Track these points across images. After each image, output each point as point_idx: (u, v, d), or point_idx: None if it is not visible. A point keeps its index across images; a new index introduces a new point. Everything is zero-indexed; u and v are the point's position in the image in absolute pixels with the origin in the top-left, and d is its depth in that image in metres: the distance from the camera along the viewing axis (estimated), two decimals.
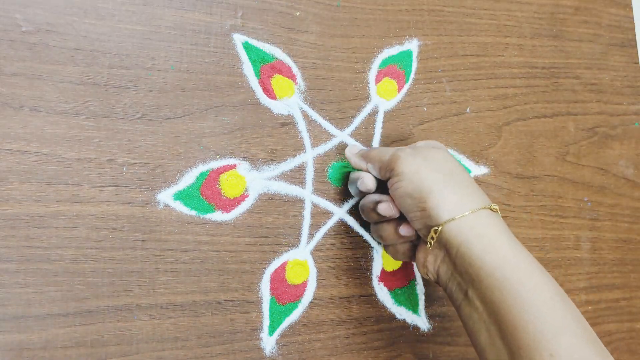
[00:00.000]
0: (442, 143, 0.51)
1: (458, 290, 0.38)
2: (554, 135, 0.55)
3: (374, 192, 0.44)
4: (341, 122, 0.48)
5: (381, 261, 0.48)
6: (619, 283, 0.56)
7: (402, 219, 0.42)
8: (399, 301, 0.48)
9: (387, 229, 0.43)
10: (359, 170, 0.45)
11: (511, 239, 0.37)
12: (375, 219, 0.44)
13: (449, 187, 0.38)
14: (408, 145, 0.45)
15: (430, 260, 0.40)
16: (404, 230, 0.41)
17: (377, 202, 0.42)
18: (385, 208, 0.41)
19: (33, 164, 0.39)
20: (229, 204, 0.44)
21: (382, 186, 0.43)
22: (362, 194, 0.45)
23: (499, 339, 0.35)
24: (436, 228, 0.38)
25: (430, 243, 0.39)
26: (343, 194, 0.47)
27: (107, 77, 0.41)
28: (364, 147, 0.46)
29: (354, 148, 0.46)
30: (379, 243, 0.47)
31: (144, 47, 0.43)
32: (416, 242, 0.42)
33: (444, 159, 0.40)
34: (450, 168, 0.40)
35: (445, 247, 0.38)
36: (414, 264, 0.47)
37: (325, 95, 0.47)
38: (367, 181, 0.43)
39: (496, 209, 0.39)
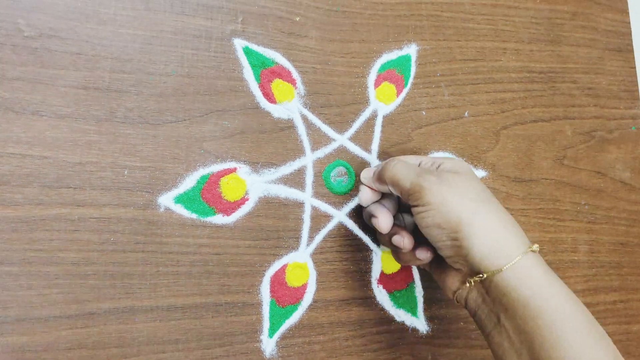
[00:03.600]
0: (440, 147, 0.51)
1: (489, 318, 0.37)
2: (551, 139, 0.56)
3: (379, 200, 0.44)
4: (341, 126, 0.48)
5: (380, 264, 0.48)
6: (616, 285, 0.56)
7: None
8: (398, 303, 0.48)
9: (383, 236, 0.43)
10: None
11: (544, 267, 0.37)
12: (390, 247, 0.43)
13: (479, 215, 0.37)
14: (417, 155, 0.44)
15: (464, 289, 0.39)
16: (395, 240, 0.41)
17: (372, 216, 0.43)
18: (399, 242, 0.41)
19: (35, 167, 0.39)
20: (229, 207, 0.44)
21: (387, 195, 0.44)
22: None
23: None
24: (481, 276, 0.37)
25: (471, 283, 0.38)
26: (343, 197, 0.48)
27: (108, 81, 0.42)
28: (375, 167, 0.45)
29: (369, 172, 0.45)
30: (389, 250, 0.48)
31: (145, 52, 0.43)
32: (422, 256, 0.41)
33: (471, 185, 0.39)
34: (479, 194, 0.39)
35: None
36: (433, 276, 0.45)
37: (325, 100, 0.48)
38: (383, 223, 0.42)
39: (536, 250, 0.37)
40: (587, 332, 0.34)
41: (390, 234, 0.42)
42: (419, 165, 0.42)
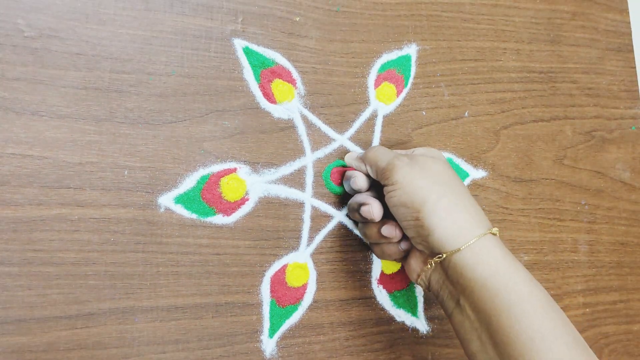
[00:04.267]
0: (440, 147, 0.51)
1: (450, 298, 0.39)
2: (551, 139, 0.56)
3: (366, 192, 0.44)
4: (341, 126, 0.48)
5: (380, 264, 0.48)
6: (616, 285, 0.56)
7: (389, 219, 0.42)
8: (398, 304, 0.48)
9: (371, 228, 0.43)
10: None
11: (503, 249, 0.38)
12: (359, 219, 0.44)
13: (444, 198, 0.38)
14: (407, 149, 0.45)
15: (426, 270, 0.41)
16: (385, 230, 0.42)
17: (361, 204, 0.42)
18: (367, 211, 0.42)
19: (35, 167, 0.39)
20: (229, 208, 0.44)
21: (377, 185, 0.44)
22: (353, 192, 0.45)
23: (491, 347, 0.35)
24: (440, 255, 0.38)
25: (431, 264, 0.39)
26: (342, 197, 0.48)
27: (108, 81, 0.42)
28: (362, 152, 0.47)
29: (353, 154, 0.46)
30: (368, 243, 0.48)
31: (145, 52, 0.43)
32: (405, 246, 0.43)
33: (441, 170, 0.40)
34: (446, 179, 0.40)
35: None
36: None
37: (325, 100, 0.48)
38: (359, 181, 0.44)
39: (496, 233, 0.39)
40: (543, 311, 0.35)
41: (380, 225, 0.43)
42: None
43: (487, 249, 0.37)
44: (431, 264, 0.39)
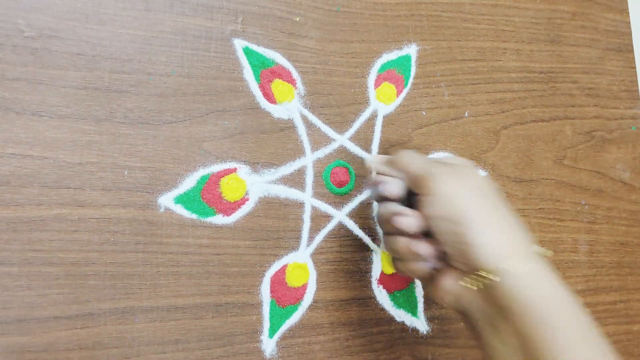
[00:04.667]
0: (440, 147, 0.51)
1: (484, 320, 0.36)
2: (551, 139, 0.56)
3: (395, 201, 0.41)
4: (341, 126, 0.48)
5: (380, 264, 0.48)
6: (616, 286, 0.56)
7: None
8: (398, 304, 0.48)
9: (402, 243, 0.39)
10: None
11: (552, 274, 0.36)
12: (390, 231, 0.40)
13: (489, 213, 0.36)
14: (427, 154, 0.43)
15: (460, 290, 0.38)
16: (421, 247, 0.38)
17: (396, 214, 0.39)
18: (408, 223, 0.38)
19: (35, 167, 0.39)
20: (229, 208, 0.44)
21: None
22: (381, 199, 0.42)
23: None
24: (492, 279, 0.35)
25: (477, 287, 0.36)
26: (343, 197, 0.48)
27: (108, 81, 0.42)
28: (386, 156, 0.44)
29: (378, 157, 0.43)
30: (393, 258, 0.44)
31: (145, 52, 0.43)
32: (438, 265, 0.39)
33: (482, 182, 0.38)
34: (489, 193, 0.37)
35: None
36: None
37: (325, 100, 0.48)
38: (393, 187, 0.40)
39: (549, 256, 0.37)
40: (587, 341, 0.34)
41: (409, 239, 0.39)
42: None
43: (536, 272, 0.35)
44: (471, 282, 0.36)
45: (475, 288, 0.36)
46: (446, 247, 0.37)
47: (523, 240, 0.36)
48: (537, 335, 0.34)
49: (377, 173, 0.43)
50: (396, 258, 0.42)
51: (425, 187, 0.37)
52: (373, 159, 0.44)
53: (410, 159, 0.40)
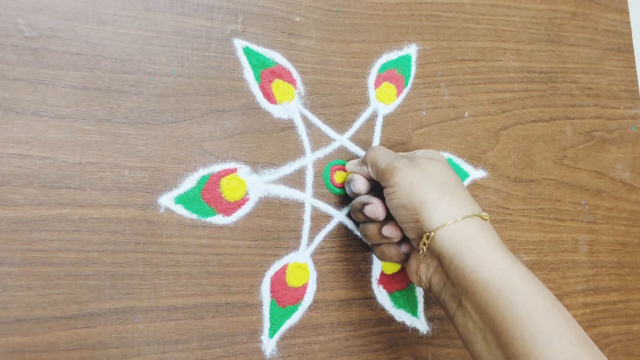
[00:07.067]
0: (440, 147, 0.51)
1: (451, 299, 0.39)
2: (551, 139, 0.56)
3: (366, 194, 0.45)
4: (341, 126, 0.48)
5: (380, 264, 0.48)
6: (616, 285, 0.56)
7: (389, 220, 0.43)
8: (398, 304, 0.48)
9: (372, 229, 0.44)
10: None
11: (503, 249, 0.38)
12: (362, 219, 0.44)
13: (442, 198, 0.39)
14: (407, 152, 0.45)
15: (423, 270, 0.41)
16: (386, 230, 0.42)
17: (365, 204, 0.43)
18: (371, 210, 0.42)
19: (35, 168, 0.39)
20: (229, 208, 0.44)
21: (378, 187, 0.44)
22: (355, 195, 0.46)
23: (495, 347, 0.35)
24: (428, 234, 0.38)
25: (423, 250, 0.39)
26: (343, 198, 0.48)
27: (108, 81, 0.42)
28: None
29: (354, 161, 0.47)
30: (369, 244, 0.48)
31: (145, 52, 0.43)
32: (406, 249, 0.43)
33: (440, 171, 0.41)
34: (445, 180, 0.40)
35: (438, 258, 0.39)
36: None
37: (325, 100, 0.48)
38: (358, 184, 0.44)
39: (486, 217, 0.39)
40: (546, 310, 0.35)
41: (380, 225, 0.43)
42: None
43: (487, 251, 0.37)
44: (423, 250, 0.39)
45: (421, 252, 0.39)
46: (407, 233, 0.41)
47: (469, 207, 0.39)
48: (494, 310, 0.35)
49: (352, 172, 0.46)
50: (373, 244, 0.45)
51: (387, 179, 0.41)
52: (350, 162, 0.47)
53: (378, 155, 0.43)
